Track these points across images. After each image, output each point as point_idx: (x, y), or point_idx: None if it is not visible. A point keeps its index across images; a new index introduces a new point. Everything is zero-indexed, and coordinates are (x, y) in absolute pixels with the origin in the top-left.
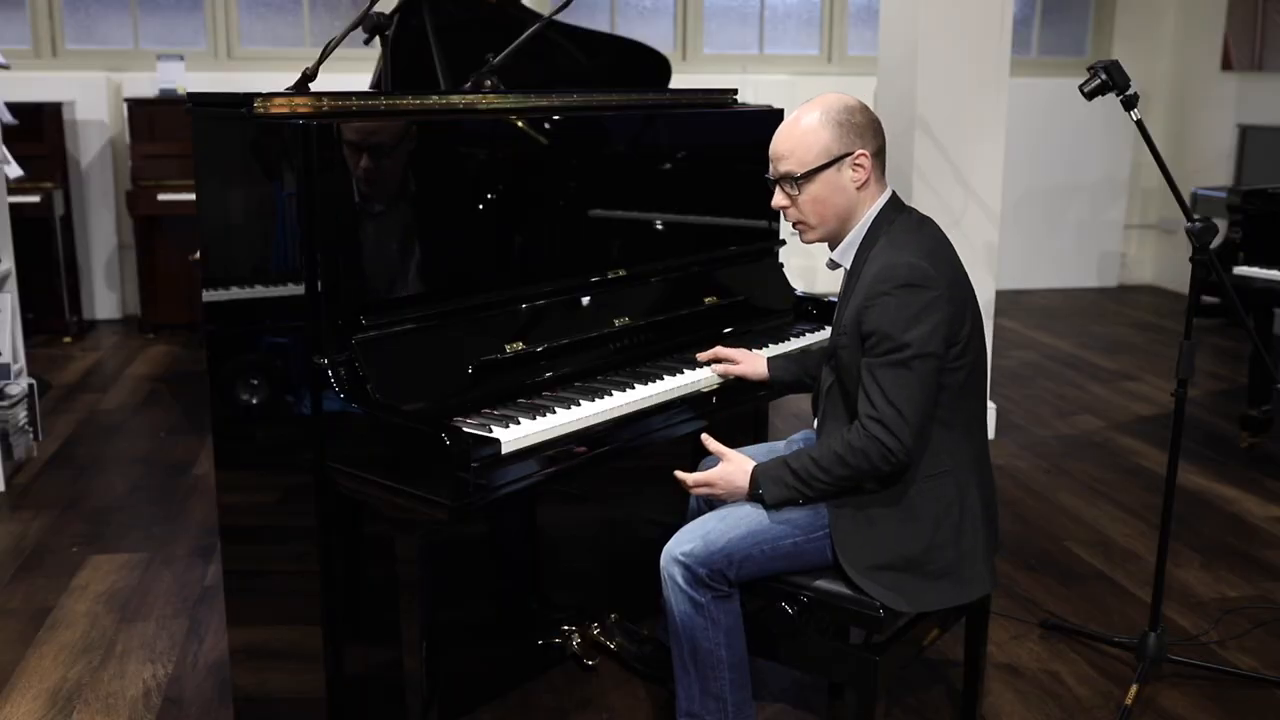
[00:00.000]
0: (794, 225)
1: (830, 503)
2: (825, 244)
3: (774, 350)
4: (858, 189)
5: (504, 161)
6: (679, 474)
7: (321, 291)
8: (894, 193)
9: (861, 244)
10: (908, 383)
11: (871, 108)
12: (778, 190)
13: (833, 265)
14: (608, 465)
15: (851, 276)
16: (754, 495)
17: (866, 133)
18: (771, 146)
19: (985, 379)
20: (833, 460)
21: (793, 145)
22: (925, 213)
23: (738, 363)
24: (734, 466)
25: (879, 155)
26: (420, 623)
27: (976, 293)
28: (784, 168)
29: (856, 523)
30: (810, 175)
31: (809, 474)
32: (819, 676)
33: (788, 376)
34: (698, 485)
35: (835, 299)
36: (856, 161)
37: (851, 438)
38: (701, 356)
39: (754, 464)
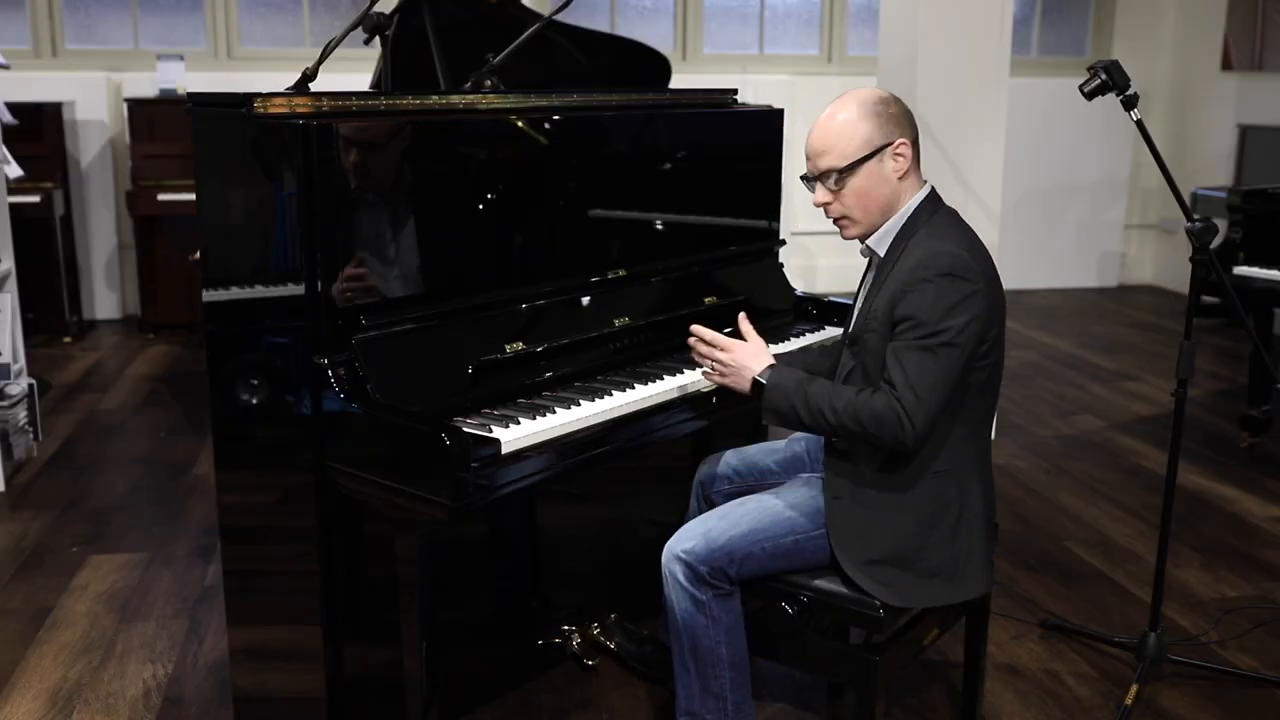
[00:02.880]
0: (835, 221)
1: (829, 495)
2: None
3: (774, 350)
4: (899, 179)
5: (504, 161)
6: (696, 327)
7: (321, 291)
8: (933, 188)
9: (899, 233)
10: (932, 369)
11: None
12: (819, 188)
13: (866, 252)
14: (608, 465)
15: (885, 264)
16: (755, 386)
17: (904, 121)
18: (807, 144)
19: (1000, 380)
20: (847, 411)
21: (832, 140)
22: None
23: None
24: (754, 348)
25: (917, 144)
26: (420, 623)
27: None
28: (825, 163)
29: (854, 516)
30: (853, 168)
31: (819, 407)
32: (819, 676)
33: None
34: (712, 343)
35: (836, 299)
36: (898, 151)
37: (876, 403)
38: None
39: (773, 362)
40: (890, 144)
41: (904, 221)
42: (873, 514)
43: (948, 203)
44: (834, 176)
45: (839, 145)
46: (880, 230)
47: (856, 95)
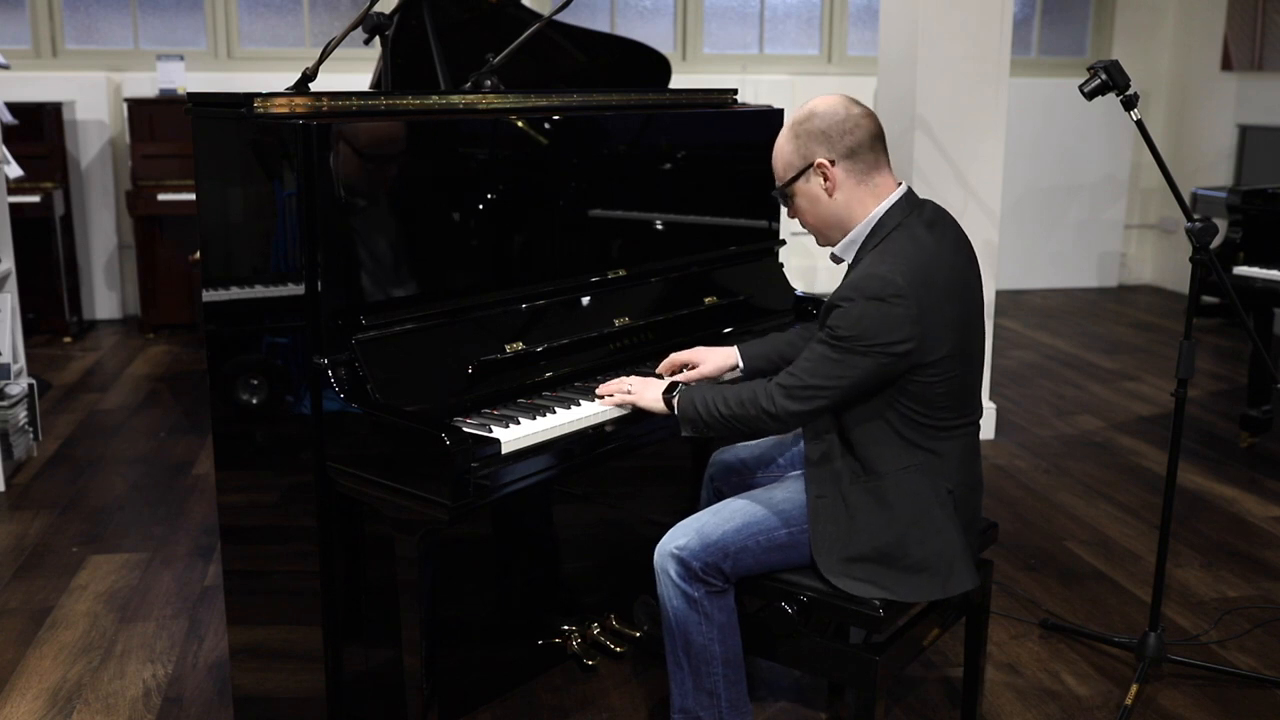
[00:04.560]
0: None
1: (812, 495)
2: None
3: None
4: (834, 195)
5: (504, 161)
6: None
7: (321, 291)
8: (908, 192)
9: (864, 242)
10: (824, 361)
11: (870, 106)
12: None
13: (836, 260)
14: (608, 465)
15: (849, 272)
16: (667, 396)
17: (830, 137)
18: None
19: (976, 391)
20: (735, 399)
21: (773, 162)
22: None
23: (697, 364)
24: (655, 380)
25: (852, 157)
26: (420, 623)
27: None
28: (777, 183)
29: (837, 514)
30: (787, 188)
31: (715, 402)
32: (819, 676)
33: (765, 365)
34: (614, 390)
35: None
36: (818, 170)
37: (758, 385)
38: (661, 369)
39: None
40: (810, 165)
41: (869, 231)
42: (854, 511)
43: (948, 202)
44: (779, 196)
45: (775, 168)
46: (846, 239)
47: (797, 110)
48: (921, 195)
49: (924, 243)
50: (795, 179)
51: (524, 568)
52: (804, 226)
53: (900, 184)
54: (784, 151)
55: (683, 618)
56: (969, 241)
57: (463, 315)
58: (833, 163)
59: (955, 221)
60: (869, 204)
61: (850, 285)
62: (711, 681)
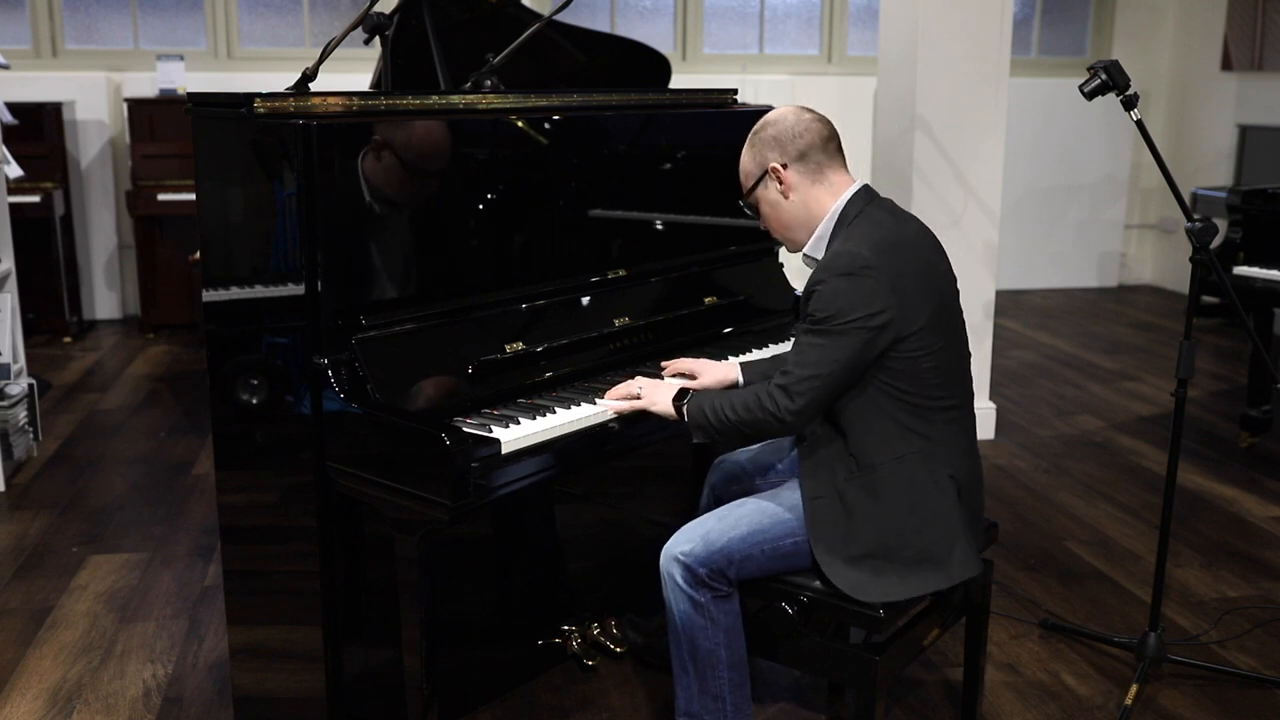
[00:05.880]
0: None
1: (808, 496)
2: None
3: (756, 355)
4: (790, 197)
5: (504, 161)
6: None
7: (321, 291)
8: (865, 186)
9: (829, 239)
10: (814, 349)
11: (870, 106)
12: None
13: (808, 260)
14: (608, 465)
15: None
16: (678, 403)
17: (781, 142)
18: None
19: (963, 368)
20: (742, 404)
21: (739, 172)
22: (924, 212)
23: (696, 376)
24: (665, 381)
25: (803, 159)
26: (420, 622)
27: (976, 292)
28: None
29: (834, 514)
30: (748, 198)
31: (722, 407)
32: (819, 676)
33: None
34: (623, 395)
35: None
36: (773, 174)
37: (760, 389)
38: (665, 373)
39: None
40: (765, 171)
41: (831, 226)
42: (851, 509)
43: (948, 203)
44: (746, 206)
45: (740, 177)
46: (814, 238)
47: (754, 126)
48: (921, 195)
49: (885, 224)
50: (755, 187)
51: (524, 568)
52: (772, 233)
53: (856, 180)
54: (744, 162)
55: (688, 622)
56: (929, 229)
57: (463, 315)
58: (785, 166)
59: (914, 215)
60: (826, 201)
61: (820, 268)
62: (717, 685)
